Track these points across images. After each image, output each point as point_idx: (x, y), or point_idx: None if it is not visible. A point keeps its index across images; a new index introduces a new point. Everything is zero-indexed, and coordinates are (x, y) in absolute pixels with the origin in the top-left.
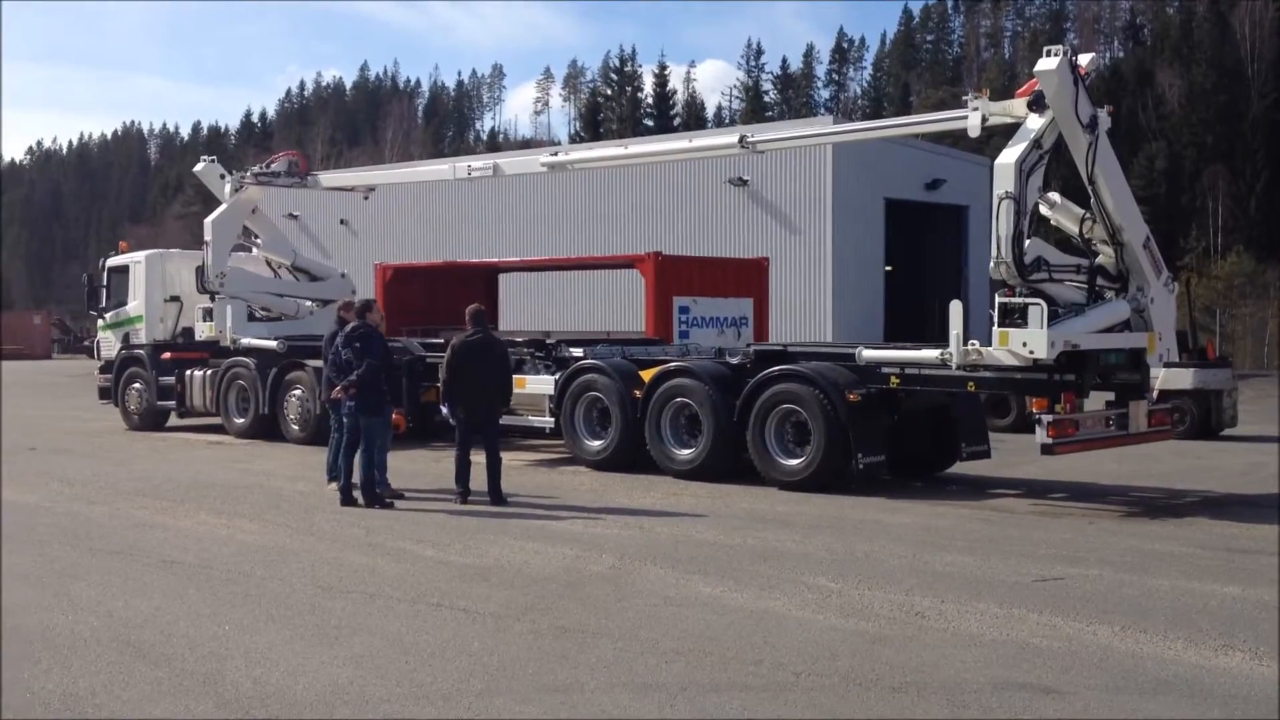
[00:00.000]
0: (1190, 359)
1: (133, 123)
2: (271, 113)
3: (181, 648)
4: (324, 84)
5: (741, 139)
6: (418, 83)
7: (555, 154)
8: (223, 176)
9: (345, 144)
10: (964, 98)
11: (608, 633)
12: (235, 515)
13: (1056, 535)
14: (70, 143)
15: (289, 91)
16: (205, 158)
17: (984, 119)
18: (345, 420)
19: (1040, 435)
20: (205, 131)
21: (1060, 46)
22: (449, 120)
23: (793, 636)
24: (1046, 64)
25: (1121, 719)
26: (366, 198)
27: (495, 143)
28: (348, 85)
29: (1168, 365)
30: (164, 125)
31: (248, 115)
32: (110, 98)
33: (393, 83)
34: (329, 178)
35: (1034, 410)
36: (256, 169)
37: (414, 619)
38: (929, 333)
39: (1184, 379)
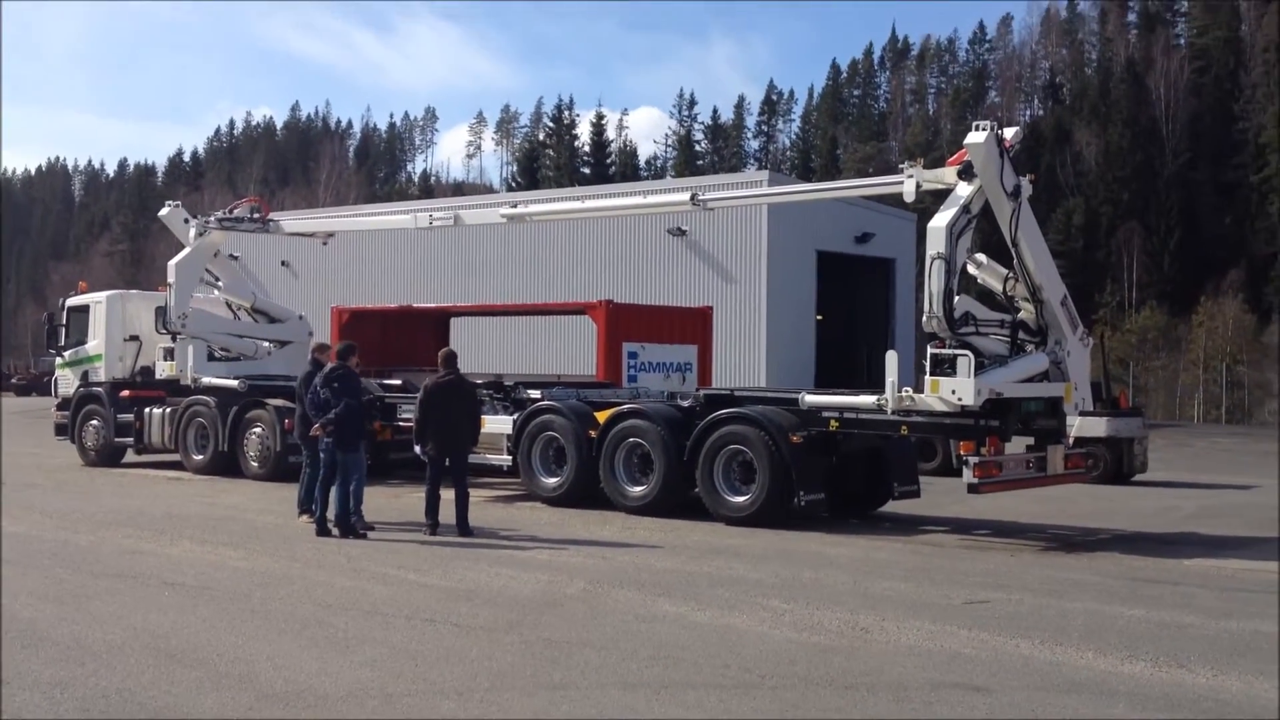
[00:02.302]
0: (1104, 408)
1: (57, 158)
2: (201, 150)
3: (209, 654)
4: (254, 123)
5: (693, 196)
6: (349, 124)
7: (515, 205)
8: (187, 221)
9: (277, 184)
10: (900, 166)
11: (589, 643)
12: (218, 544)
13: (982, 566)
14: None
15: (219, 130)
16: (170, 202)
17: (918, 185)
18: (323, 456)
19: (967, 475)
20: (132, 169)
21: (989, 121)
22: (381, 162)
23: (754, 647)
24: (975, 138)
25: (1042, 717)
26: (325, 243)
27: (428, 185)
28: (278, 124)
29: (1083, 414)
30: (89, 161)
31: (178, 153)
32: (34, 133)
33: (324, 123)
34: (290, 223)
35: (961, 452)
36: (220, 214)
37: (412, 632)
38: (858, 379)
39: (1098, 427)
